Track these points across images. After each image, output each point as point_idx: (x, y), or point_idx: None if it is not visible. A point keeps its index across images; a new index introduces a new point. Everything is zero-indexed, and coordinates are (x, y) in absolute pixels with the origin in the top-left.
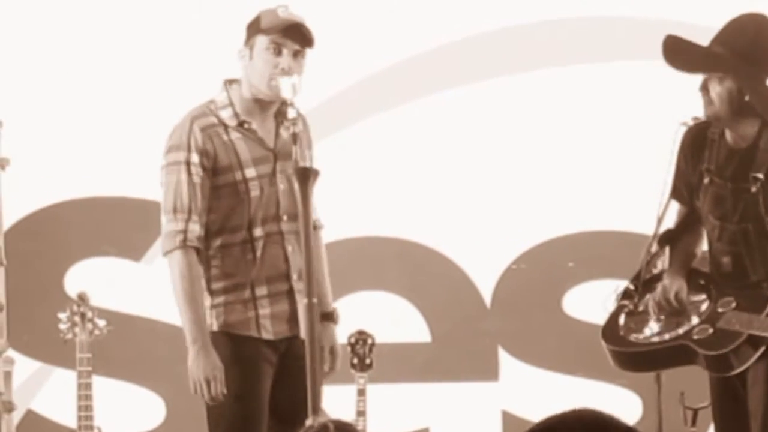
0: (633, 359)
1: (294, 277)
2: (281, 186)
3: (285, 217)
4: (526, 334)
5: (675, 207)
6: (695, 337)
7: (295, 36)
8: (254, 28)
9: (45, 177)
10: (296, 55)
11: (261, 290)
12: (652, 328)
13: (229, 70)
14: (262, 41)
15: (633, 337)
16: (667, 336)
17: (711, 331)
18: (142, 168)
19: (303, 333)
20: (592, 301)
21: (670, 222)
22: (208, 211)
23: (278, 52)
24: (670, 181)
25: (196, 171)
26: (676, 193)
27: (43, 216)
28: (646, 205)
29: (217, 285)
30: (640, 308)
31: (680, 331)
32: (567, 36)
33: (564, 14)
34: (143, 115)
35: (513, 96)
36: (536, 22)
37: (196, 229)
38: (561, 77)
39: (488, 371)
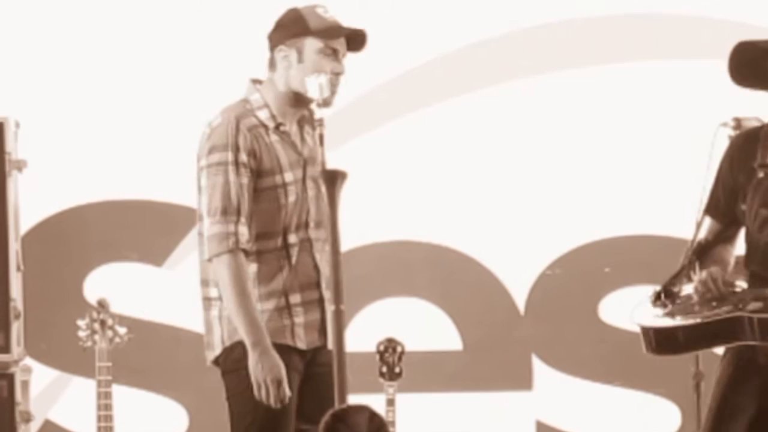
0: (674, 337)
1: (323, 285)
2: (310, 192)
3: (312, 224)
4: (560, 341)
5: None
6: (748, 308)
7: (357, 43)
8: (299, 28)
9: (63, 179)
10: (343, 57)
11: (295, 298)
12: (695, 310)
13: (252, 70)
14: (313, 44)
15: (676, 318)
16: (712, 312)
17: (761, 304)
18: (165, 170)
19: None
20: (629, 307)
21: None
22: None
23: (334, 56)
24: (708, 187)
25: (245, 172)
26: (710, 208)
27: (61, 219)
28: (684, 209)
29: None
30: (677, 302)
31: (727, 307)
32: (604, 34)
33: (601, 11)
34: (165, 116)
35: (549, 96)
36: (570, 19)
37: (245, 231)
38: (598, 76)
39: (522, 380)
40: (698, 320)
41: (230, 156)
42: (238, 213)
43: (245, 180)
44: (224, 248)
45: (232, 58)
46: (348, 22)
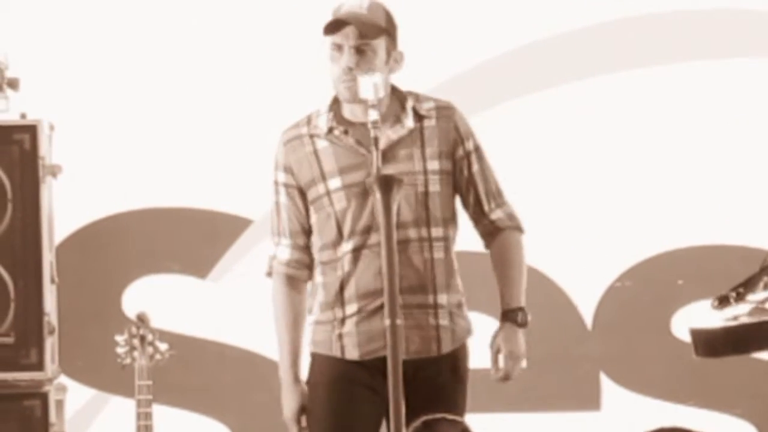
0: (719, 338)
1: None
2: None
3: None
4: (631, 358)
5: None
6: None
7: (337, 31)
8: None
9: (101, 185)
10: (359, 50)
11: (351, 308)
12: (746, 311)
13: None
14: (327, 41)
15: (724, 320)
16: (763, 317)
17: None
18: (209, 176)
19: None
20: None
21: None
22: (310, 228)
23: (338, 51)
24: None
25: (285, 191)
26: None
27: (98, 228)
28: (762, 217)
29: (315, 303)
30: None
31: None
32: (687, 30)
33: (687, 5)
34: (207, 119)
35: (620, 98)
36: (656, 13)
37: (285, 254)
38: (674, 77)
39: (589, 399)
40: (739, 322)
41: (274, 175)
42: (279, 235)
43: (284, 199)
44: (267, 271)
45: (278, 62)
46: (414, 18)
